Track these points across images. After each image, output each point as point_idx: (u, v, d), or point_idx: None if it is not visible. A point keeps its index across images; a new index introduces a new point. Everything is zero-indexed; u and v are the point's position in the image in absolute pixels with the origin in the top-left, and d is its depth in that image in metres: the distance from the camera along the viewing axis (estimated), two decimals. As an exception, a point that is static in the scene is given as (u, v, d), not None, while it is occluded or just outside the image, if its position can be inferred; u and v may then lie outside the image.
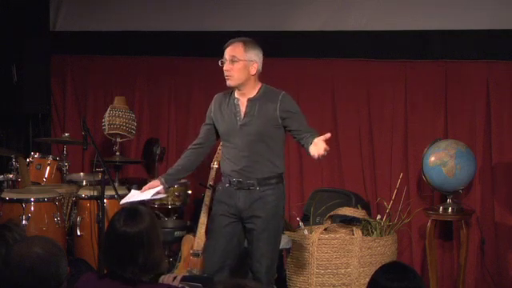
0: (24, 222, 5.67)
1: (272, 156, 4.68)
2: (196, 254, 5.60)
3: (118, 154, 6.71)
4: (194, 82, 7.00)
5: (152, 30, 7.15)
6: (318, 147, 4.38)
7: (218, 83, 6.83)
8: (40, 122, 7.51)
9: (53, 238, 2.91)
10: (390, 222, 5.78)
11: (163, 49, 7.15)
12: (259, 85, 4.75)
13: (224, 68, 4.69)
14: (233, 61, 4.66)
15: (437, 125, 5.98)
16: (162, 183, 4.76)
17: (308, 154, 4.50)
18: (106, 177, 5.46)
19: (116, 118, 6.63)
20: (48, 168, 6.58)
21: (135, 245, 2.99)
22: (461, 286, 5.64)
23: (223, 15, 6.78)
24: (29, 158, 6.59)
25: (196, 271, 5.53)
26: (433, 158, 5.56)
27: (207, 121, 4.85)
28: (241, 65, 4.66)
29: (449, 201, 5.65)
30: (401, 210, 5.87)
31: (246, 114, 4.67)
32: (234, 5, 6.75)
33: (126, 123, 6.65)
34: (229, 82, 4.69)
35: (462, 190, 5.63)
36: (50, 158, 6.65)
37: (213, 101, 4.86)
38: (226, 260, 4.74)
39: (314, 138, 4.48)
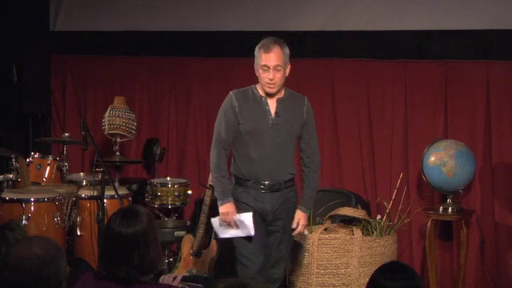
0: (24, 222, 5.66)
1: (293, 156, 4.71)
2: (196, 254, 5.60)
3: (118, 154, 6.71)
4: (193, 82, 7.00)
5: (152, 30, 7.14)
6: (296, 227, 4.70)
7: (218, 83, 6.88)
8: (40, 122, 7.50)
9: (53, 238, 2.91)
10: (390, 221, 5.78)
11: (163, 49, 7.15)
12: (283, 86, 4.73)
13: (268, 77, 4.59)
14: (277, 70, 4.60)
15: (437, 125, 5.99)
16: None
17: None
18: (106, 177, 5.46)
19: (116, 117, 6.63)
20: (48, 168, 6.58)
21: (130, 245, 2.99)
22: (461, 286, 5.64)
23: (223, 15, 6.78)
24: (29, 158, 6.59)
25: (196, 271, 5.53)
26: (433, 158, 5.56)
27: (232, 118, 4.68)
28: (283, 72, 4.63)
29: (449, 201, 5.65)
30: (401, 209, 5.87)
31: (276, 113, 4.63)
32: (235, 5, 6.75)
33: (126, 123, 6.65)
34: (271, 90, 4.63)
35: (461, 190, 5.63)
36: (50, 157, 6.65)
37: (232, 98, 4.73)
38: (263, 261, 4.67)
39: (308, 188, 4.74)
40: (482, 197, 5.84)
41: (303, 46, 6.40)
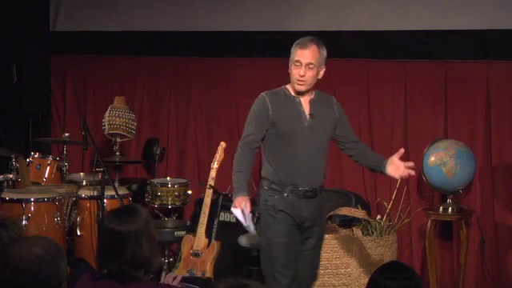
0: (24, 222, 5.66)
1: (325, 160, 4.57)
2: (196, 254, 5.60)
3: (118, 154, 6.71)
4: (193, 82, 7.00)
5: (152, 30, 7.15)
6: (399, 170, 4.50)
7: (218, 83, 6.89)
8: (40, 122, 7.51)
9: (53, 238, 2.91)
10: (390, 221, 5.78)
11: (163, 49, 7.15)
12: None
13: (299, 73, 4.44)
14: (309, 67, 4.44)
15: (437, 125, 5.99)
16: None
17: (377, 172, 4.65)
18: (106, 177, 5.46)
19: (116, 117, 6.63)
20: (48, 168, 6.58)
21: (121, 241, 3.02)
22: (461, 286, 5.64)
23: (223, 15, 6.79)
24: (29, 158, 6.59)
25: (196, 271, 5.53)
26: (433, 158, 5.56)
27: (264, 120, 4.48)
28: (315, 71, 4.46)
29: (449, 201, 5.65)
30: (401, 209, 5.87)
31: (311, 114, 4.48)
32: (235, 5, 6.75)
33: (126, 123, 6.65)
34: (300, 88, 4.47)
35: (461, 190, 5.63)
36: (50, 158, 6.65)
37: (265, 100, 4.52)
38: (294, 275, 4.52)
39: (375, 154, 4.66)
40: (482, 197, 5.84)
41: (303, 46, 6.40)
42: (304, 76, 4.44)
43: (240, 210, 4.46)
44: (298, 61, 4.46)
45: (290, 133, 4.45)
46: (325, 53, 4.52)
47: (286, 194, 4.45)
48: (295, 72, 4.46)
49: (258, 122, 4.50)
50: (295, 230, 4.48)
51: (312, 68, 4.44)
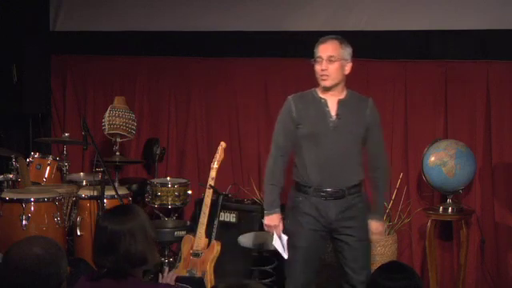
0: (24, 222, 5.67)
1: (359, 161, 4.45)
2: (196, 254, 5.60)
3: (118, 154, 6.71)
4: (194, 82, 7.00)
5: (152, 30, 7.15)
6: (373, 236, 4.51)
7: (218, 83, 6.89)
8: (40, 122, 7.51)
9: (53, 238, 2.91)
10: (389, 221, 5.78)
11: (163, 49, 7.16)
12: (345, 88, 4.49)
13: (321, 68, 4.37)
14: (330, 60, 4.37)
15: (437, 125, 5.98)
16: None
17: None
18: (106, 177, 5.46)
19: (116, 117, 6.63)
20: (48, 168, 6.59)
21: (114, 238, 3.04)
22: (461, 286, 5.64)
23: (223, 15, 6.79)
24: (29, 158, 6.59)
25: (196, 271, 5.54)
26: (433, 158, 5.56)
27: (289, 124, 4.45)
28: (338, 64, 4.38)
29: (449, 201, 5.65)
30: (401, 209, 5.87)
31: (337, 115, 4.39)
32: (234, 5, 6.75)
33: (126, 123, 6.65)
34: (324, 83, 4.39)
35: (461, 190, 5.63)
36: (50, 157, 6.65)
37: (290, 103, 4.48)
38: (312, 274, 4.49)
39: (377, 194, 4.56)
40: (482, 197, 5.84)
41: (303, 46, 6.40)
42: (326, 70, 4.38)
43: (277, 236, 4.47)
44: (319, 56, 4.41)
45: (313, 134, 4.40)
46: (348, 48, 4.46)
47: (310, 196, 4.41)
48: (318, 68, 4.41)
49: (284, 127, 4.48)
50: (317, 235, 4.43)
51: (334, 61, 4.38)
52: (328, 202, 4.38)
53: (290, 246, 4.48)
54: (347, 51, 4.44)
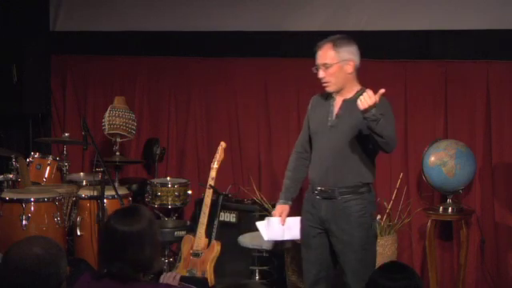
0: (24, 222, 5.67)
1: (359, 163, 4.35)
2: (196, 254, 5.60)
3: (118, 154, 6.71)
4: (193, 82, 7.00)
5: (152, 30, 7.15)
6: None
7: (217, 83, 6.89)
8: (40, 122, 7.51)
9: (53, 238, 2.91)
10: (389, 222, 5.78)
11: (163, 49, 7.16)
12: (358, 87, 4.45)
13: (319, 76, 4.41)
14: (326, 67, 4.38)
15: (437, 125, 5.98)
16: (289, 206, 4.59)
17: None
18: (106, 177, 5.46)
19: (116, 118, 6.63)
20: (48, 168, 6.59)
21: (124, 242, 3.01)
22: (461, 286, 5.64)
23: (223, 15, 6.79)
24: (29, 158, 6.60)
25: (196, 271, 5.54)
26: (433, 158, 5.56)
27: (306, 122, 4.59)
28: (335, 68, 4.37)
29: (449, 201, 5.65)
30: (401, 210, 5.87)
31: (337, 114, 4.40)
32: (234, 5, 6.75)
33: (126, 123, 6.65)
34: (328, 89, 4.43)
35: (461, 190, 5.62)
36: (50, 157, 6.66)
37: (311, 101, 4.60)
38: (319, 272, 4.47)
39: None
40: (482, 197, 5.84)
41: (303, 46, 6.40)
42: (324, 78, 4.40)
43: (265, 222, 4.63)
44: (316, 64, 4.44)
45: (315, 133, 4.49)
46: (348, 47, 4.41)
47: (310, 193, 4.49)
48: (319, 76, 4.44)
49: (304, 125, 4.62)
50: (315, 232, 4.45)
51: (328, 67, 4.38)
52: (320, 201, 4.41)
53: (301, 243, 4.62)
54: (345, 50, 4.40)
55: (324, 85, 4.42)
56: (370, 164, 4.41)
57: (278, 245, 5.48)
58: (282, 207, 4.59)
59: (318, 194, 4.41)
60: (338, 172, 4.36)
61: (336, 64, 4.37)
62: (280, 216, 4.59)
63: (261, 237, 4.78)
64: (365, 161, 4.38)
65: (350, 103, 4.36)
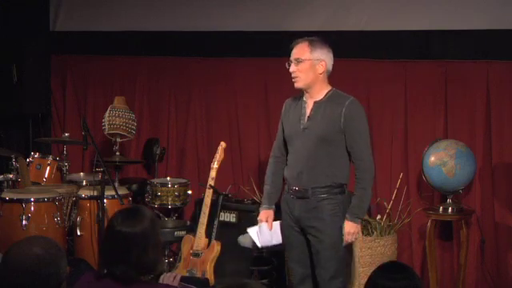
0: (24, 222, 5.67)
1: (332, 164, 4.43)
2: (196, 254, 5.60)
3: (118, 154, 6.71)
4: (194, 82, 7.00)
5: (152, 30, 7.15)
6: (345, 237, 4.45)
7: (217, 83, 6.89)
8: (40, 122, 7.51)
9: (53, 238, 2.91)
10: (390, 222, 5.78)
11: (163, 49, 7.16)
12: (328, 88, 4.52)
13: (290, 70, 4.49)
14: (297, 62, 4.46)
15: (437, 125, 5.98)
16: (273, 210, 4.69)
17: None
18: (106, 177, 5.46)
19: (116, 117, 6.63)
20: (48, 168, 6.59)
21: (128, 244, 3.00)
22: (461, 286, 5.64)
23: (223, 15, 6.79)
24: (29, 158, 6.59)
25: (196, 271, 5.54)
26: (433, 158, 5.56)
27: (281, 126, 4.66)
28: (307, 65, 4.44)
29: (449, 201, 5.65)
30: (401, 209, 5.87)
31: (309, 116, 4.46)
32: (234, 5, 6.76)
33: (126, 123, 6.65)
34: (296, 84, 4.49)
35: (461, 190, 5.62)
36: (50, 157, 6.66)
37: (284, 105, 4.67)
38: (304, 271, 4.55)
39: (353, 197, 4.46)
40: (482, 197, 5.84)
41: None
42: (294, 72, 4.48)
43: (257, 228, 4.70)
44: (290, 60, 4.52)
45: (289, 136, 4.57)
46: (323, 49, 4.50)
47: (286, 193, 4.59)
48: (290, 70, 4.51)
49: (279, 129, 4.68)
50: (293, 230, 4.56)
51: (300, 62, 4.46)
52: (294, 200, 4.51)
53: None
54: (320, 51, 4.49)
55: (293, 80, 4.50)
56: (343, 165, 4.48)
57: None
58: (267, 212, 4.68)
59: (292, 194, 4.51)
60: (312, 172, 4.45)
61: (308, 61, 4.46)
62: (267, 221, 4.67)
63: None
64: (338, 161, 4.46)
65: (321, 104, 4.47)
